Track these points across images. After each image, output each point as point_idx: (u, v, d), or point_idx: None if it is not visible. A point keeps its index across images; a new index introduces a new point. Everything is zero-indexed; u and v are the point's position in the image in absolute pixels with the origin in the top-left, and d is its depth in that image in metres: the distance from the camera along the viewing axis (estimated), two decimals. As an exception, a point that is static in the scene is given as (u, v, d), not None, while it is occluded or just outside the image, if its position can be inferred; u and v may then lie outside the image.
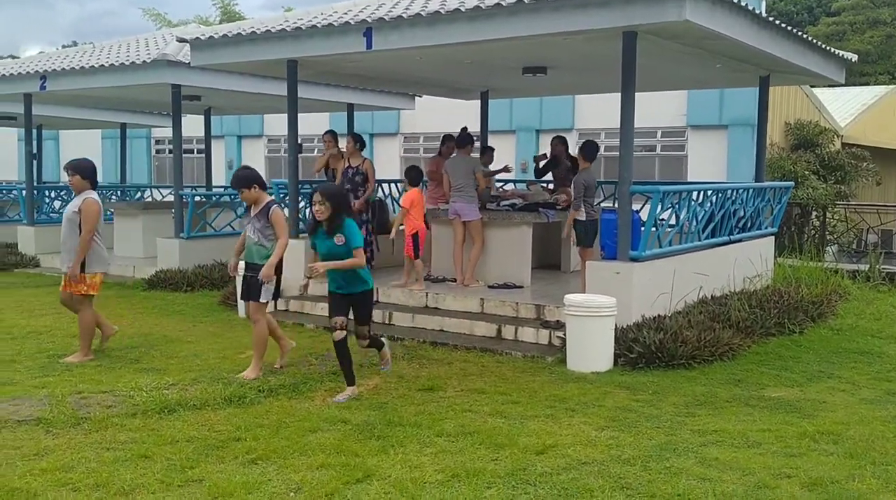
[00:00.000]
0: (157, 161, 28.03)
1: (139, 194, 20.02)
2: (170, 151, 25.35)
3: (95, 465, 4.81)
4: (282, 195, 11.13)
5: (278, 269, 6.85)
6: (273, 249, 6.77)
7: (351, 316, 6.46)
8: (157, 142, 27.75)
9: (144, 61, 11.69)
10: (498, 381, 6.83)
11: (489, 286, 9.76)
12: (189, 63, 10.71)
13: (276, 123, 22.99)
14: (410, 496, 4.38)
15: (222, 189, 18.64)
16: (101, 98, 15.54)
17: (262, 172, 24.85)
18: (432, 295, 9.34)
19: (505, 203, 10.45)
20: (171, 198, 14.74)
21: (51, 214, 16.71)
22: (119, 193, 19.32)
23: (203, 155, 17.99)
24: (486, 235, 9.94)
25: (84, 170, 7.52)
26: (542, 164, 11.91)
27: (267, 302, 6.91)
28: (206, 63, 10.37)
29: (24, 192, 15.49)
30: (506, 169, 11.76)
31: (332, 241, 6.19)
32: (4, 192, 19.10)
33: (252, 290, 6.84)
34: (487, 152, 11.93)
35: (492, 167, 11.90)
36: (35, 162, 16.30)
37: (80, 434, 5.37)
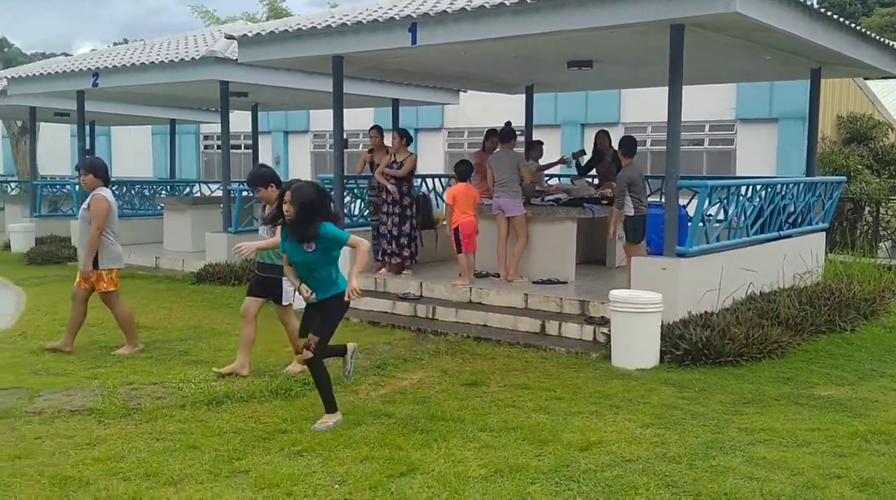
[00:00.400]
0: (205, 156, 28.44)
1: (188, 190, 20.34)
2: (218, 147, 25.72)
3: (145, 455, 4.91)
4: (328, 190, 11.22)
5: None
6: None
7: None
8: (206, 138, 28.15)
9: (193, 58, 11.87)
10: (542, 377, 6.82)
11: (533, 282, 9.72)
12: (237, 60, 10.85)
13: (322, 119, 23.16)
14: (454, 490, 4.40)
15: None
16: (151, 95, 15.84)
17: (308, 168, 25.25)
18: (476, 290, 9.34)
19: (549, 198, 10.40)
20: (219, 193, 14.96)
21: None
22: (168, 188, 19.66)
23: (250, 150, 18.21)
24: (530, 231, 9.90)
25: (96, 169, 7.63)
26: (583, 161, 11.85)
27: (290, 304, 6.83)
28: (253, 60, 10.49)
29: (76, 187, 15.84)
30: (562, 161, 11.68)
31: (302, 247, 5.46)
32: (58, 187, 19.58)
33: (271, 292, 6.76)
34: (536, 146, 11.87)
35: (544, 161, 11.87)
36: (87, 158, 16.63)
37: (131, 425, 5.49)
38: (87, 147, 16.86)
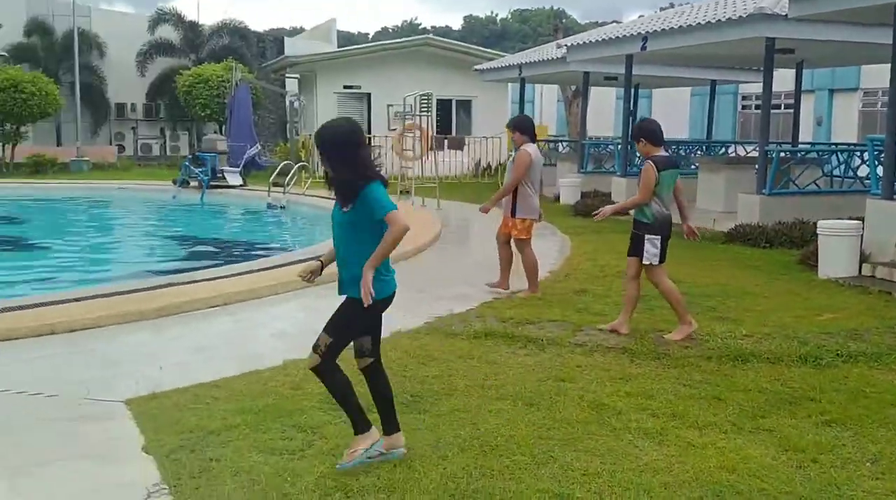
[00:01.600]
0: (742, 117, 28.01)
1: (723, 150, 20.34)
2: (756, 107, 25.09)
3: (672, 397, 5.22)
4: (876, 152, 10.24)
5: (662, 231, 6.50)
6: (648, 209, 6.49)
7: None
8: (744, 97, 27.67)
9: (741, 16, 11.77)
10: None
11: None
12: (786, 15, 10.45)
13: (876, 74, 20.99)
14: None
15: (809, 145, 17.95)
16: (693, 56, 16.11)
17: (854, 128, 23.29)
18: None
19: None
20: (754, 154, 14.70)
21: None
22: (704, 148, 19.90)
23: (790, 111, 17.45)
24: None
25: (523, 127, 8.32)
26: None
27: (651, 263, 6.53)
28: (804, 14, 10.02)
29: (619, 146, 17.01)
30: None
31: (340, 207, 4.05)
32: (602, 146, 21.23)
33: (636, 249, 6.63)
34: None
35: None
36: (631, 119, 17.70)
37: (660, 368, 5.86)
38: (631, 109, 17.92)
